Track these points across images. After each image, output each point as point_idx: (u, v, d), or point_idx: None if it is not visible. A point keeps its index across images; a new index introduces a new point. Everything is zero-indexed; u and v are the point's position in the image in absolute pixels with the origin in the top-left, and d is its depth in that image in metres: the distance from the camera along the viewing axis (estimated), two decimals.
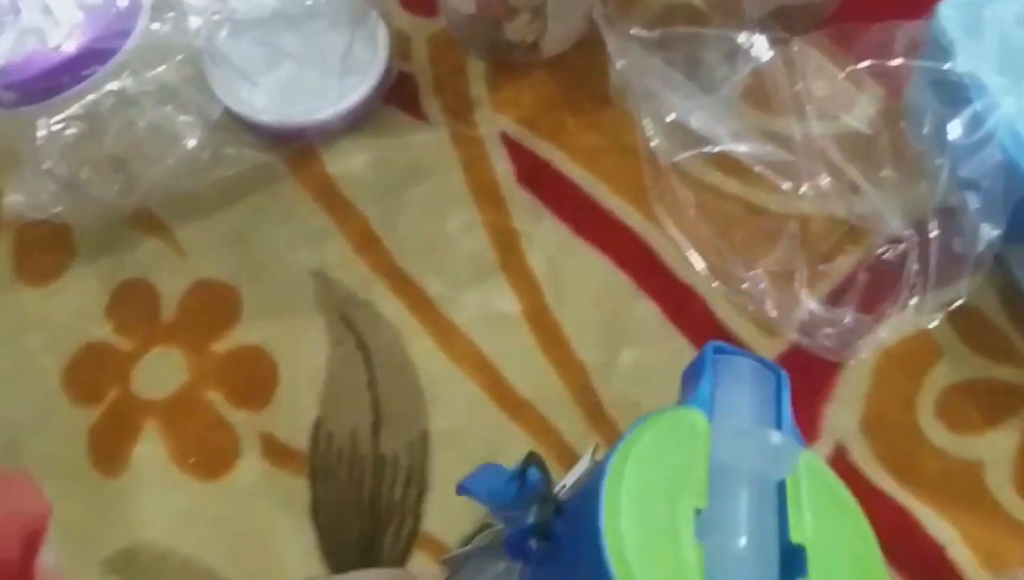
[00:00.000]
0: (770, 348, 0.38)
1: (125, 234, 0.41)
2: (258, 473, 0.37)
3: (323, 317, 0.39)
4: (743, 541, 0.19)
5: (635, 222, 0.41)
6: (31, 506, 0.38)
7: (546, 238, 0.41)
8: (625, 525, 0.18)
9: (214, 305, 0.40)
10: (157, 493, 0.37)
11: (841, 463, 0.36)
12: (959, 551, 0.34)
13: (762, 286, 0.37)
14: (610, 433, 0.37)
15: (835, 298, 0.38)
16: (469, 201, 0.42)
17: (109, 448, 0.37)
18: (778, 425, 0.21)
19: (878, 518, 0.35)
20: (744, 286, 0.37)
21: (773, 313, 0.37)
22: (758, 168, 0.39)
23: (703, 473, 0.19)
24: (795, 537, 0.19)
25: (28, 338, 0.39)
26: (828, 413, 0.37)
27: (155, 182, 0.40)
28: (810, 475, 0.20)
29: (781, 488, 0.20)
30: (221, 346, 0.39)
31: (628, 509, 0.19)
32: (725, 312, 0.39)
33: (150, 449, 0.37)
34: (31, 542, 0.37)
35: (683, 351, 0.38)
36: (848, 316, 0.37)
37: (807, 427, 0.37)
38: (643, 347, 0.39)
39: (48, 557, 0.36)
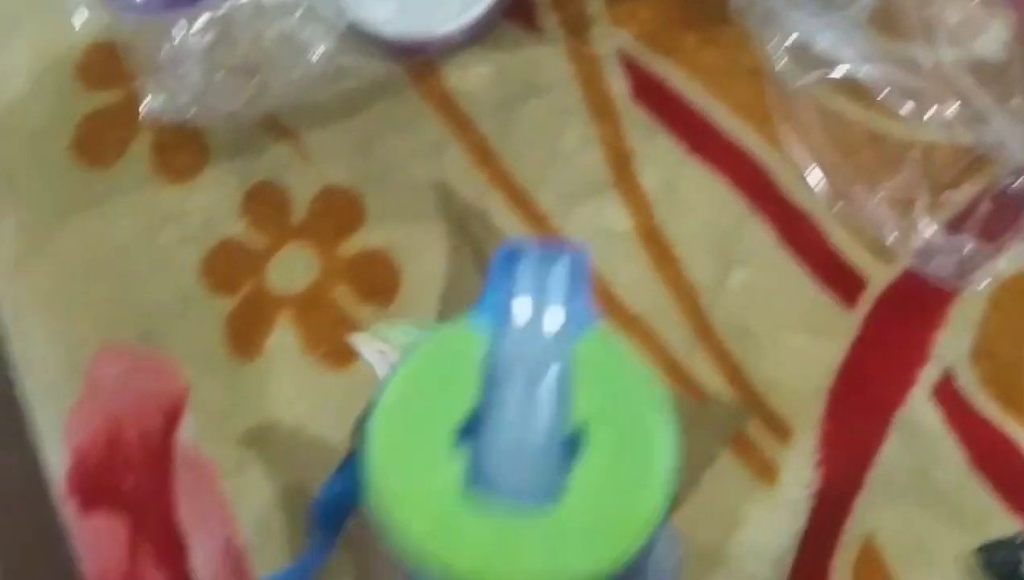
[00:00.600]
0: (887, 274, 0.38)
1: (256, 138, 0.42)
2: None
3: (442, 225, 0.41)
4: (509, 434, 0.18)
5: (751, 143, 0.41)
6: (171, 386, 0.41)
7: (660, 156, 0.41)
8: (387, 451, 0.18)
9: (340, 209, 0.41)
10: (289, 378, 0.39)
11: (947, 389, 0.37)
12: None
13: (883, 211, 0.37)
14: (716, 351, 0.38)
15: (955, 226, 0.38)
16: (584, 117, 0.42)
17: (244, 336, 0.40)
18: (569, 309, 0.20)
19: (984, 444, 0.36)
20: (865, 210, 0.37)
21: (892, 238, 0.37)
22: (884, 93, 0.39)
23: (474, 379, 0.19)
24: (573, 418, 0.18)
25: (167, 232, 0.42)
26: (939, 339, 0.37)
27: (284, 90, 0.42)
28: (596, 354, 0.19)
29: (564, 374, 0.19)
30: (347, 248, 0.41)
31: (391, 435, 0.18)
32: (839, 237, 0.39)
33: (283, 338, 0.40)
34: (170, 418, 0.40)
35: (794, 274, 0.39)
36: (967, 244, 0.37)
37: (917, 352, 0.37)
38: (754, 269, 0.39)
39: (187, 432, 0.40)
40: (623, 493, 0.17)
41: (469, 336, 0.19)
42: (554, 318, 0.20)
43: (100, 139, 0.43)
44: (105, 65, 0.44)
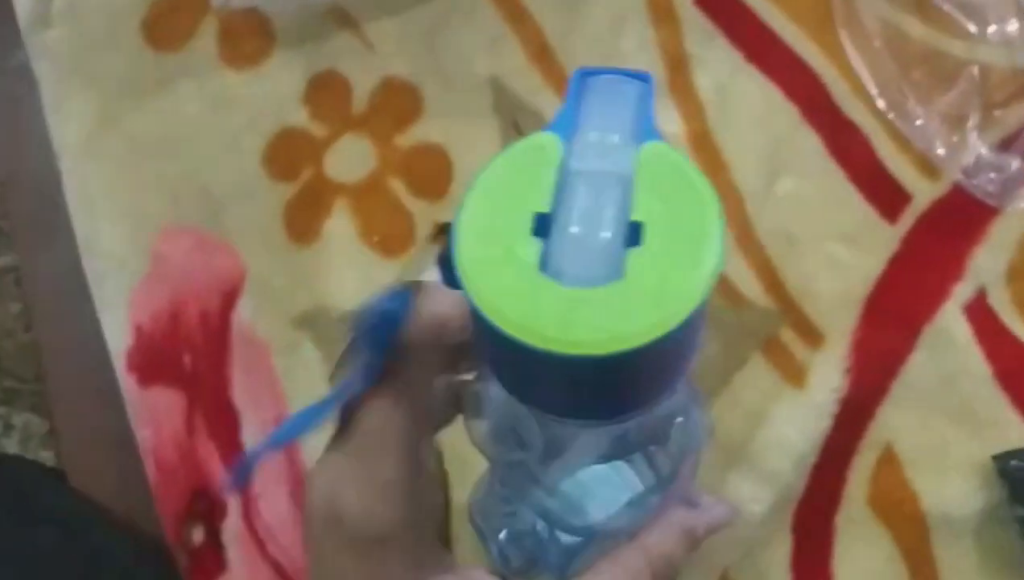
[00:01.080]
0: (931, 191, 0.39)
1: (321, 27, 0.43)
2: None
3: (496, 121, 0.42)
4: (575, 229, 0.20)
5: (807, 53, 0.41)
6: (229, 267, 0.43)
7: (717, 62, 0.41)
8: (468, 241, 0.20)
9: (399, 100, 0.42)
10: (344, 264, 0.41)
11: (979, 306, 0.38)
12: None
13: (934, 126, 0.38)
14: (756, 258, 0.39)
15: (1004, 146, 0.38)
16: (644, 18, 0.42)
17: (303, 221, 0.42)
18: (634, 126, 0.22)
19: (1008, 359, 0.37)
20: (916, 125, 0.37)
21: (941, 153, 0.38)
22: (946, 7, 0.39)
23: (548, 184, 0.20)
24: (634, 216, 0.20)
25: (232, 118, 0.43)
26: (977, 256, 0.38)
27: None
28: (660, 165, 0.21)
29: (628, 184, 0.21)
30: (404, 140, 0.42)
31: (472, 228, 0.20)
32: (887, 152, 0.39)
33: (339, 225, 0.41)
34: (228, 298, 0.43)
35: (840, 186, 0.40)
36: (1015, 163, 0.38)
37: (953, 267, 0.38)
38: (801, 178, 0.40)
39: (244, 312, 0.42)
40: (676, 271, 0.19)
41: (544, 146, 0.21)
42: (620, 133, 0.21)
43: (170, 22, 0.44)
44: None
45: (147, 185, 0.44)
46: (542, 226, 0.20)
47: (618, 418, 0.22)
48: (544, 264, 0.20)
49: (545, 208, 0.20)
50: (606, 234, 0.20)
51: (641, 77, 0.22)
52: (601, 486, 0.27)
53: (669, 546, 0.27)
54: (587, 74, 0.22)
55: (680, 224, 0.20)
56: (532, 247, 0.20)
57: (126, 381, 0.42)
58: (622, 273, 0.20)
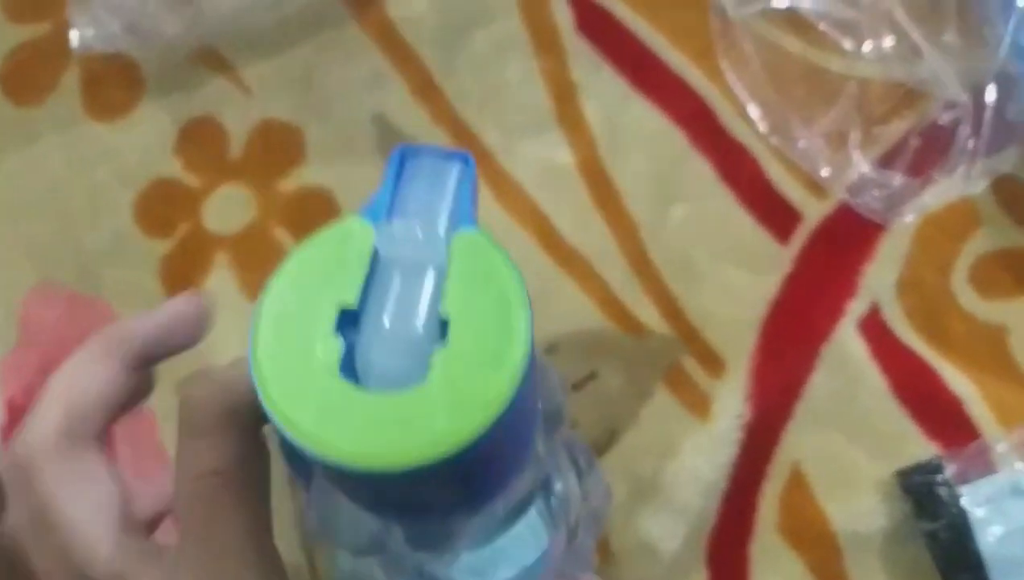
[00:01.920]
0: (820, 209, 0.39)
1: (192, 72, 0.41)
2: None
3: (383, 161, 0.40)
4: (386, 323, 0.19)
5: (692, 78, 0.41)
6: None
7: (603, 90, 0.41)
8: (267, 338, 0.19)
9: (280, 145, 0.41)
10: (227, 321, 0.39)
11: (874, 320, 0.38)
12: (977, 407, 0.37)
13: (817, 145, 0.38)
14: (654, 286, 0.39)
15: (886, 161, 0.38)
16: (528, 49, 0.42)
17: (182, 278, 0.40)
18: (456, 211, 0.21)
19: (905, 373, 0.38)
20: (800, 144, 0.38)
21: (826, 173, 0.38)
22: (822, 26, 0.39)
23: (357, 274, 0.20)
24: (441, 311, 0.19)
25: (99, 171, 0.41)
26: (868, 272, 0.38)
27: (219, 19, 0.41)
28: (471, 256, 0.20)
29: (441, 272, 0.20)
30: (287, 185, 0.40)
31: (272, 322, 0.19)
32: (776, 172, 0.40)
33: (221, 281, 0.39)
34: None
35: (733, 209, 0.40)
36: (897, 179, 0.38)
37: (846, 285, 0.38)
38: (693, 204, 0.40)
39: None
40: (480, 372, 0.19)
41: (355, 232, 0.20)
42: (434, 219, 0.21)
43: (30, 73, 0.42)
44: None
45: (12, 247, 0.41)
46: (347, 321, 0.19)
47: (454, 516, 0.21)
48: (347, 364, 0.19)
49: (351, 300, 0.19)
50: (413, 331, 0.19)
51: (461, 157, 0.22)
52: (510, 546, 0.26)
53: None
54: (407, 154, 0.21)
55: (486, 320, 0.19)
56: (334, 345, 0.19)
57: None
58: (424, 372, 0.19)
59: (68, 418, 0.26)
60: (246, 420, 0.22)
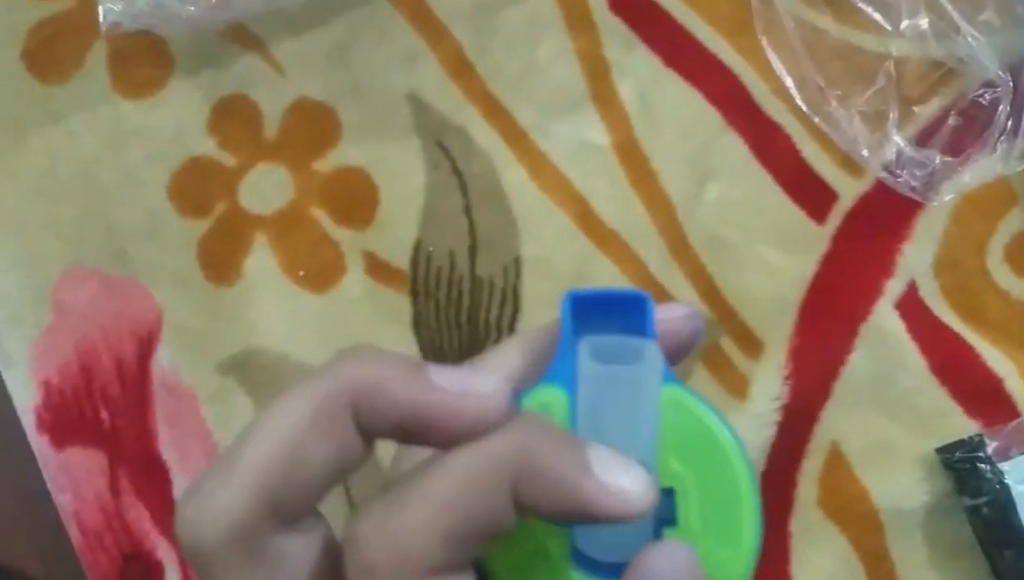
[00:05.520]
0: (856, 188, 0.39)
1: (222, 49, 0.41)
2: (363, 288, 0.39)
3: (419, 141, 0.40)
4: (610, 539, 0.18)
5: (727, 56, 0.41)
6: (141, 309, 0.40)
7: (637, 69, 0.41)
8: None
9: (314, 124, 0.40)
10: (269, 302, 0.39)
11: (911, 299, 0.38)
12: (1017, 385, 0.37)
13: (855, 125, 0.38)
14: (691, 266, 0.39)
15: (923, 140, 0.39)
16: (561, 27, 0.41)
17: (220, 259, 0.39)
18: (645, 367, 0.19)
19: (943, 352, 0.38)
20: (837, 124, 0.38)
21: (864, 151, 0.38)
22: (859, 4, 0.39)
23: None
24: (664, 481, 0.18)
25: (130, 150, 0.40)
26: (905, 251, 0.39)
27: None
28: (676, 412, 0.18)
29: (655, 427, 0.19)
30: (323, 165, 0.40)
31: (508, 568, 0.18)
32: (811, 151, 0.40)
33: (261, 261, 0.39)
34: (145, 344, 0.40)
35: (767, 187, 0.40)
36: (936, 158, 0.38)
37: (883, 264, 0.39)
38: (728, 182, 0.40)
39: (164, 359, 0.39)
40: (716, 552, 0.17)
41: (551, 404, 0.18)
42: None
43: (54, 50, 0.41)
44: None
45: (44, 227, 0.40)
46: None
47: None
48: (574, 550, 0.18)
49: None
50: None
51: (637, 297, 0.19)
52: None
53: None
54: (577, 299, 0.19)
55: (712, 491, 0.18)
56: (561, 535, 0.18)
57: (38, 443, 0.39)
58: None
59: (264, 497, 0.18)
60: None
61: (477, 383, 0.17)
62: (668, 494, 0.18)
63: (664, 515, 0.18)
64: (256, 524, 0.17)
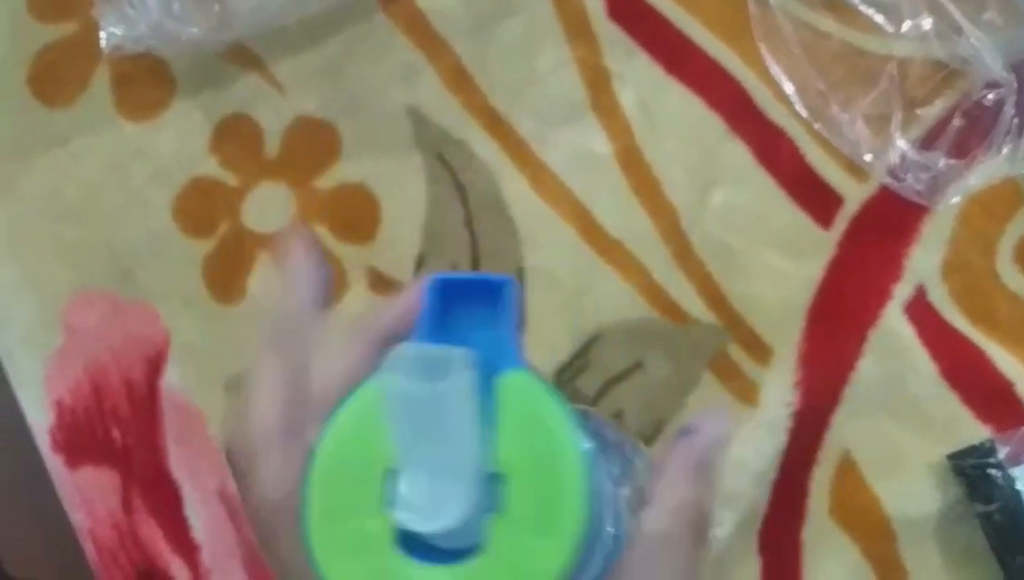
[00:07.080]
0: (861, 192, 0.39)
1: (222, 69, 0.41)
2: (365, 303, 0.39)
3: (420, 155, 0.40)
4: (425, 472, 0.18)
5: (728, 61, 0.40)
6: (150, 330, 0.40)
7: (637, 77, 0.41)
8: (317, 518, 0.18)
9: (315, 141, 0.40)
10: None
11: (920, 303, 0.38)
12: None
13: (858, 129, 0.38)
14: (696, 273, 0.39)
15: (928, 142, 0.38)
16: (560, 37, 0.41)
17: (225, 278, 0.40)
18: (501, 351, 0.19)
19: (953, 356, 0.38)
20: (841, 128, 0.37)
21: (867, 156, 0.38)
22: (861, 6, 0.39)
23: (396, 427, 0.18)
24: (491, 465, 0.18)
25: (134, 171, 0.41)
26: (912, 255, 0.38)
27: (247, 16, 0.40)
28: (517, 398, 0.19)
29: (486, 413, 0.19)
30: (324, 182, 0.40)
31: (321, 500, 0.19)
32: (815, 156, 0.39)
33: (265, 279, 0.39)
34: (153, 364, 0.40)
35: (772, 193, 0.39)
36: (941, 160, 0.38)
37: (891, 268, 0.38)
38: (732, 189, 0.40)
39: (172, 378, 0.40)
40: (539, 540, 0.18)
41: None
42: (468, 360, 0.18)
43: (59, 74, 0.41)
44: None
45: (51, 250, 0.41)
46: (395, 484, 0.18)
47: None
48: (399, 533, 0.18)
49: (394, 460, 0.18)
50: (457, 482, 0.18)
51: (498, 282, 0.20)
52: None
53: (688, 492, 0.24)
54: (441, 284, 0.20)
55: (541, 480, 0.18)
56: (382, 520, 0.18)
57: (52, 463, 0.39)
58: (483, 542, 0.18)
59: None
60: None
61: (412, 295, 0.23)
62: (497, 480, 0.18)
63: (491, 501, 0.18)
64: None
